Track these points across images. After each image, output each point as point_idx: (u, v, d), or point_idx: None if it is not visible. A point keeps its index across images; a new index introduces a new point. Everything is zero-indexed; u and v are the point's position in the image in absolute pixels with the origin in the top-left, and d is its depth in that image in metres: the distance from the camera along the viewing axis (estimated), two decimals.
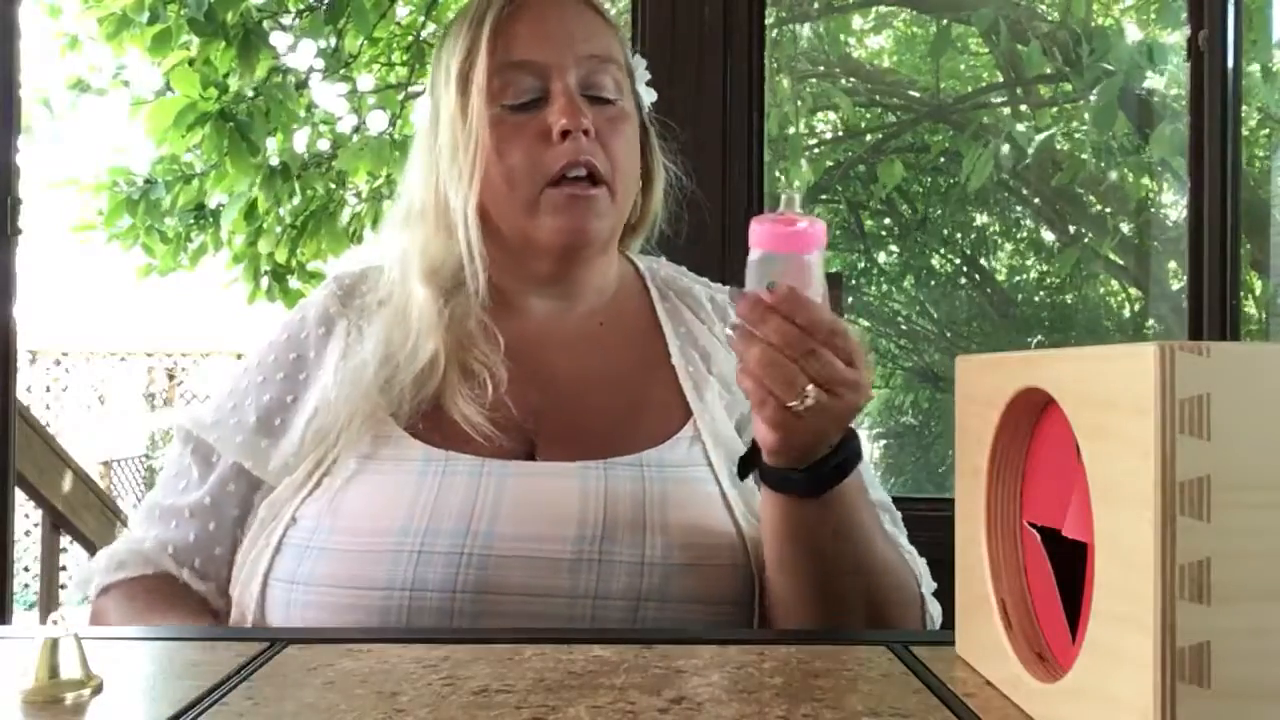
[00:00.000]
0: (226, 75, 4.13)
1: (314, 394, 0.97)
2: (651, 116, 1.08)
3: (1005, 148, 2.94)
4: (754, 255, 0.78)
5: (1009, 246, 3.65)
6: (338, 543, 0.88)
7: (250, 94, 4.27)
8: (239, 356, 8.87)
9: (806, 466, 0.80)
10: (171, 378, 9.30)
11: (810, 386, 0.74)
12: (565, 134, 0.94)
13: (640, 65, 1.07)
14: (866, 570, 0.86)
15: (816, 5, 3.19)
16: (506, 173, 0.95)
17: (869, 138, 3.53)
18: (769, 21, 2.24)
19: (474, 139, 0.96)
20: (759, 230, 0.77)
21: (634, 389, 1.00)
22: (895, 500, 1.01)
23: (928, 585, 0.93)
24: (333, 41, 4.34)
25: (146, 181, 4.84)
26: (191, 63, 4.15)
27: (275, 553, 0.91)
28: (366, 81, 4.84)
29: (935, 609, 0.93)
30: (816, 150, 3.39)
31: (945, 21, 3.26)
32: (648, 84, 1.08)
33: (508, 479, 0.90)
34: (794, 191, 0.79)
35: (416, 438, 0.93)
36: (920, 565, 0.95)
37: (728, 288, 1.10)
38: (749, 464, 0.85)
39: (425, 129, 1.03)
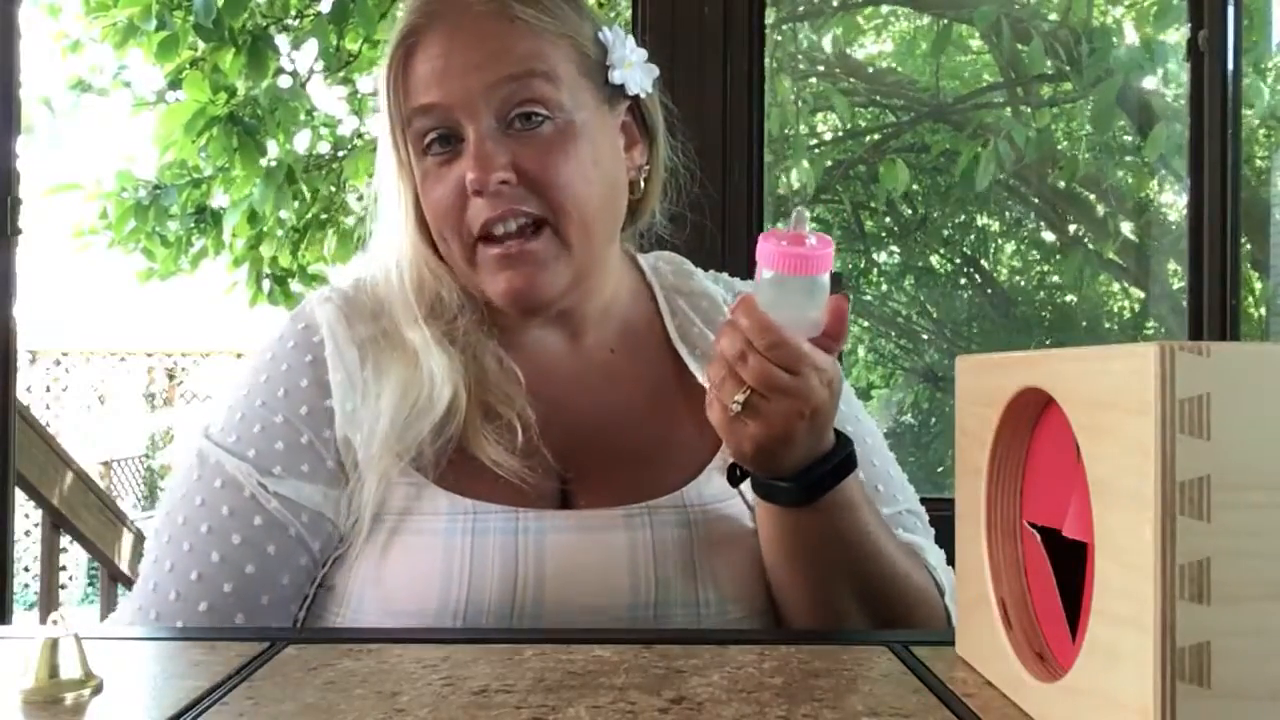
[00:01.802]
0: (235, 80, 4.14)
1: (339, 431, 0.87)
2: (655, 97, 0.97)
3: (1005, 146, 2.94)
4: (766, 275, 0.76)
5: (1010, 247, 3.65)
6: (372, 624, 0.83)
7: (257, 96, 4.29)
8: (239, 356, 8.89)
9: (792, 476, 0.79)
10: (171, 378, 9.30)
11: (741, 390, 0.75)
12: (479, 192, 0.84)
13: (620, 47, 0.92)
14: (867, 580, 0.84)
15: (816, 4, 3.19)
16: (438, 229, 0.89)
17: (869, 138, 3.53)
18: (769, 21, 2.24)
19: (401, 198, 0.90)
20: (771, 251, 0.75)
21: (658, 419, 0.94)
22: None
23: (952, 594, 0.89)
24: (334, 42, 4.34)
25: (156, 187, 4.85)
26: (194, 64, 4.16)
27: (304, 621, 0.86)
28: (367, 84, 4.85)
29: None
30: (816, 150, 3.39)
31: (946, 21, 3.26)
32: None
33: (546, 535, 0.83)
34: (803, 208, 0.77)
35: (438, 485, 0.85)
36: (946, 576, 0.91)
37: (751, 283, 1.06)
38: (739, 471, 0.83)
39: (383, 155, 0.93)
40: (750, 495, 0.89)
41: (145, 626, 0.85)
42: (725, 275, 1.08)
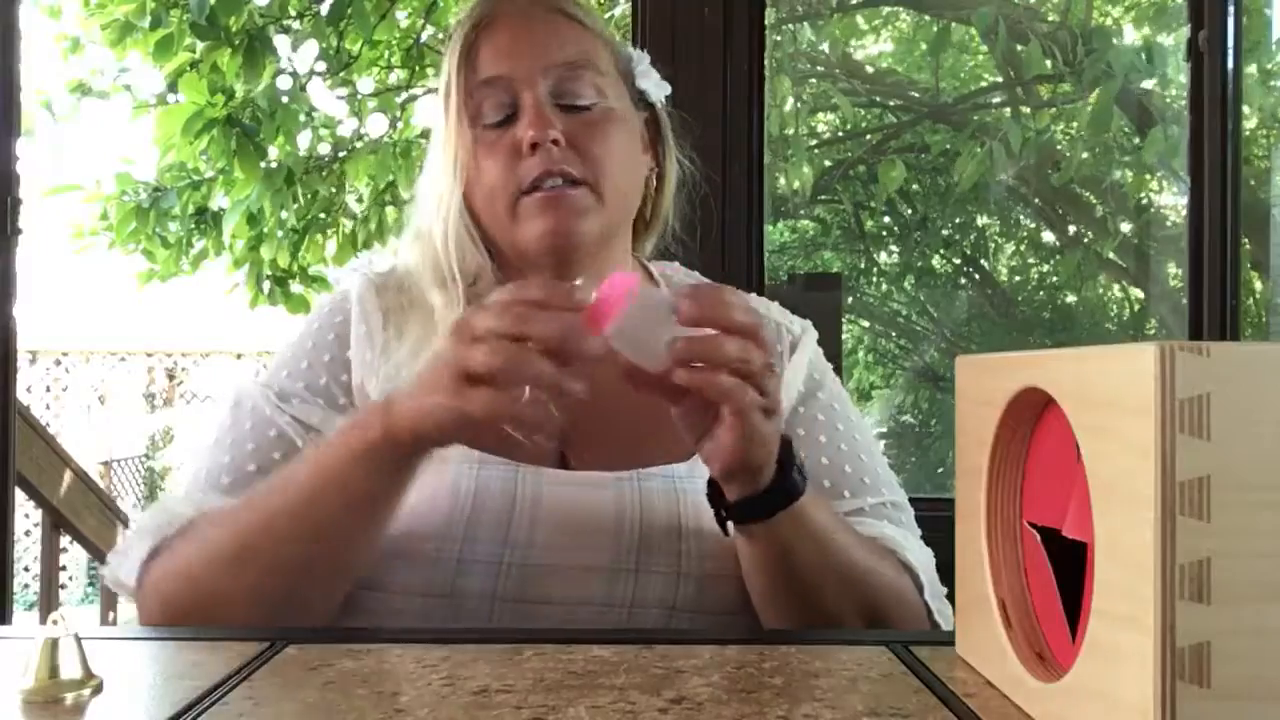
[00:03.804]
0: (232, 81, 4.14)
1: (356, 378, 0.96)
2: (666, 110, 1.07)
3: (1003, 148, 2.94)
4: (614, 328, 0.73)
5: (1009, 247, 3.65)
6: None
7: (256, 98, 4.28)
8: (239, 357, 8.89)
9: (766, 489, 0.80)
10: (171, 378, 9.29)
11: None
12: (535, 146, 0.94)
13: (643, 61, 1.05)
14: (834, 576, 0.85)
15: (816, 4, 3.19)
16: (486, 189, 0.97)
17: (869, 138, 3.53)
18: (769, 21, 2.24)
19: (454, 162, 0.98)
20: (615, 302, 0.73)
21: (658, 401, 0.99)
22: None
23: (933, 589, 0.92)
24: (334, 43, 4.34)
25: (156, 190, 4.85)
26: (194, 65, 4.15)
27: None
28: (366, 85, 4.85)
29: (948, 611, 0.91)
30: (817, 150, 3.39)
31: (945, 21, 3.26)
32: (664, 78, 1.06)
33: (543, 487, 0.90)
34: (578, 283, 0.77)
35: None
36: (921, 569, 0.92)
37: (750, 295, 1.10)
38: (720, 513, 0.84)
39: (432, 149, 1.03)
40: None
41: (145, 628, 0.86)
42: (726, 287, 1.10)
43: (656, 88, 1.05)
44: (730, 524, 0.84)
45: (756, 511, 0.82)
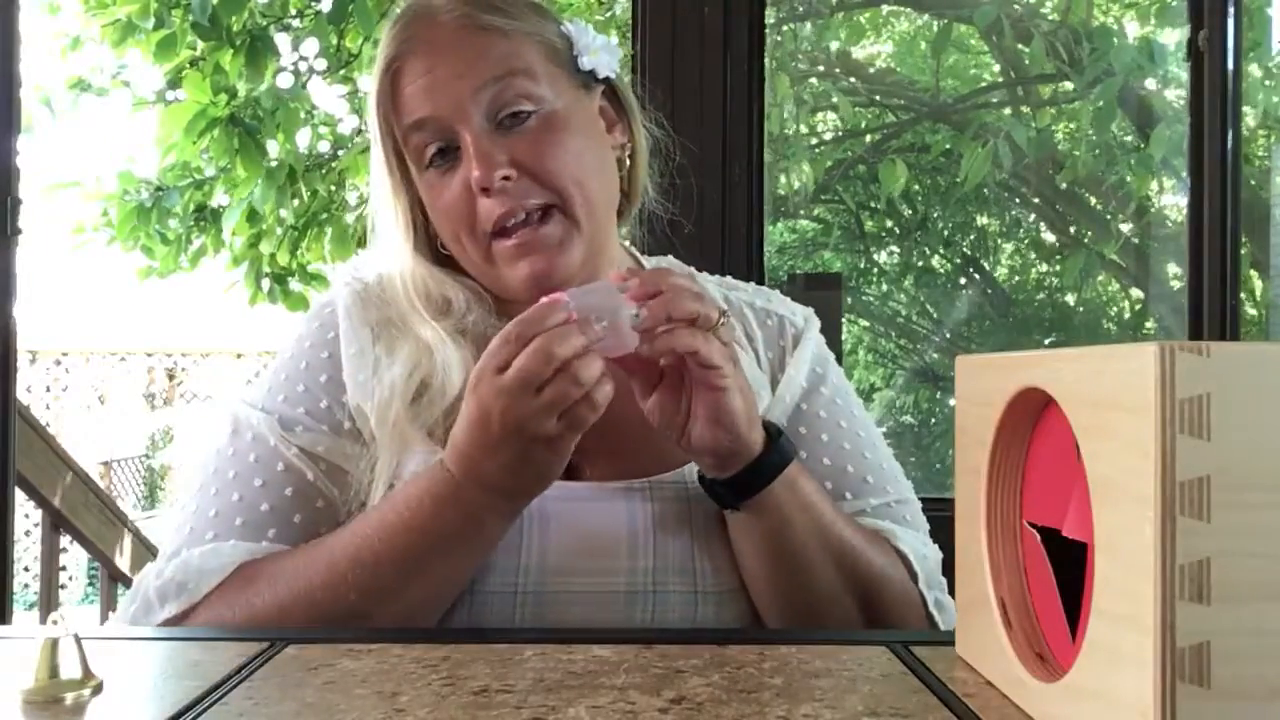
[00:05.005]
0: (235, 80, 4.14)
1: (352, 400, 0.92)
2: (619, 80, 1.02)
3: (1005, 147, 2.93)
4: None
5: (1009, 247, 3.65)
6: None
7: (258, 97, 4.28)
8: (239, 356, 8.88)
9: (759, 458, 0.83)
10: (171, 378, 9.29)
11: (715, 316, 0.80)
12: (486, 189, 0.90)
13: (584, 35, 0.98)
14: (824, 555, 0.86)
15: (816, 4, 3.19)
16: (451, 233, 0.95)
17: (869, 138, 3.53)
18: (769, 21, 2.24)
19: (399, 210, 0.96)
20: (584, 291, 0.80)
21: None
22: None
23: (929, 580, 0.91)
24: (335, 41, 4.34)
25: (158, 189, 4.85)
26: (194, 63, 4.15)
27: None
28: (367, 83, 4.84)
29: (949, 604, 0.91)
30: (817, 150, 3.39)
31: (946, 21, 3.26)
32: (621, 41, 1.00)
33: (549, 503, 0.87)
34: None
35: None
36: (915, 557, 0.92)
37: (750, 285, 1.09)
38: (719, 496, 0.86)
39: (377, 176, 0.99)
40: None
41: (148, 628, 0.86)
42: (728, 278, 1.10)
43: (608, 57, 0.98)
44: (730, 503, 0.85)
45: (756, 481, 0.83)
